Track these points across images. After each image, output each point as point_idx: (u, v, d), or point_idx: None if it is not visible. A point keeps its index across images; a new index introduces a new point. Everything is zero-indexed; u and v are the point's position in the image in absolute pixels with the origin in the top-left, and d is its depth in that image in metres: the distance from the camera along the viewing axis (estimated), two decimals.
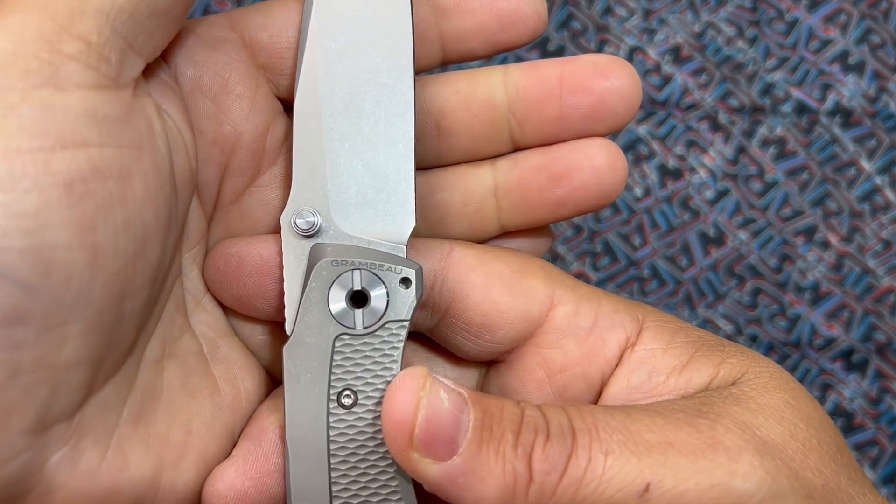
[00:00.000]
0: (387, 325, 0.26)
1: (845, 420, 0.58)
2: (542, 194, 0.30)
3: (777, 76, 0.62)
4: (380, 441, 0.26)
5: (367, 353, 0.26)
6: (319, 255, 0.27)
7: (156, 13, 0.24)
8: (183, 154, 0.27)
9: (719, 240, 0.60)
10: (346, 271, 0.26)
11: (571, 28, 0.62)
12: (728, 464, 0.23)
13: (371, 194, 0.27)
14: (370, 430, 0.26)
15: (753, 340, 0.59)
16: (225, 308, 0.30)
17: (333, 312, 0.26)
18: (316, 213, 0.27)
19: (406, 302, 0.26)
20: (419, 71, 0.29)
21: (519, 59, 0.59)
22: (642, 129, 0.61)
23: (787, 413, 0.24)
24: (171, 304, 0.28)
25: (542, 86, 0.29)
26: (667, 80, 0.62)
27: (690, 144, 0.61)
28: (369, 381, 0.26)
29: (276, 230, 0.28)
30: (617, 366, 0.27)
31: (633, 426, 0.23)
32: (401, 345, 0.26)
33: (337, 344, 0.26)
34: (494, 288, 0.28)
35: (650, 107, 0.61)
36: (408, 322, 0.26)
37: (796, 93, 0.62)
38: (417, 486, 0.26)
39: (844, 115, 0.61)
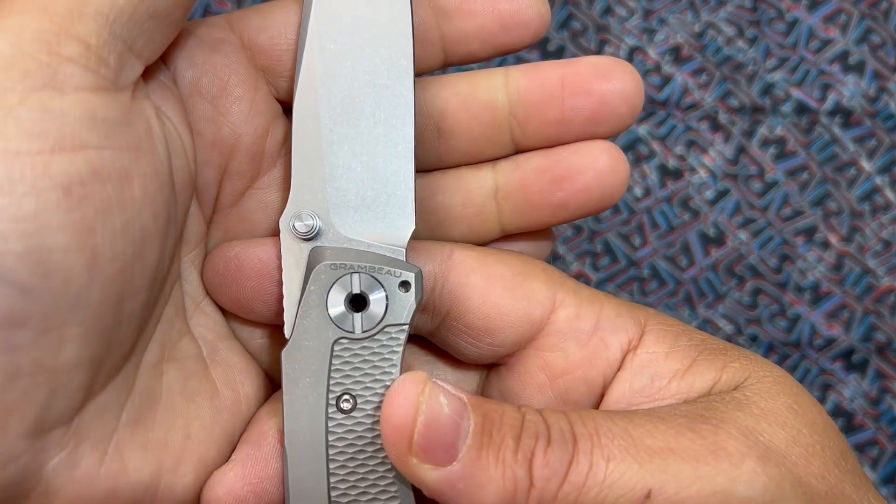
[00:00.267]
0: (386, 329, 0.26)
1: (845, 420, 0.58)
2: (543, 197, 0.30)
3: (777, 76, 0.62)
4: (379, 446, 0.26)
5: (366, 358, 0.26)
6: (318, 258, 0.27)
7: (155, 15, 0.24)
8: (182, 157, 0.27)
9: (719, 240, 0.60)
10: (345, 275, 0.26)
11: (571, 28, 0.62)
12: (731, 470, 0.23)
13: (370, 197, 0.27)
14: (369, 435, 0.26)
15: (753, 340, 0.59)
16: (224, 311, 0.30)
17: (332, 316, 0.26)
18: (315, 215, 0.27)
19: (405, 306, 0.26)
20: (420, 73, 0.29)
21: (519, 60, 0.59)
22: (642, 129, 0.61)
23: (791, 418, 0.24)
24: (171, 307, 0.28)
25: (543, 88, 0.29)
26: (667, 80, 0.62)
27: (690, 144, 0.61)
28: (368, 385, 0.26)
29: (276, 233, 0.28)
30: (619, 369, 0.27)
31: (634, 431, 0.23)
32: (400, 349, 0.26)
33: (336, 348, 0.26)
34: (495, 290, 0.28)
35: (650, 107, 0.61)
36: (407, 326, 0.26)
37: (796, 93, 0.62)
38: (417, 492, 0.26)
39: (844, 115, 0.61)
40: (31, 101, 0.22)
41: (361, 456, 0.26)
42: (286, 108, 0.29)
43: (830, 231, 0.60)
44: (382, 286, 0.26)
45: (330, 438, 0.26)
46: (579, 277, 0.60)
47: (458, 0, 0.29)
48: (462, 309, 0.28)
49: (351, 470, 0.26)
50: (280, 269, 0.27)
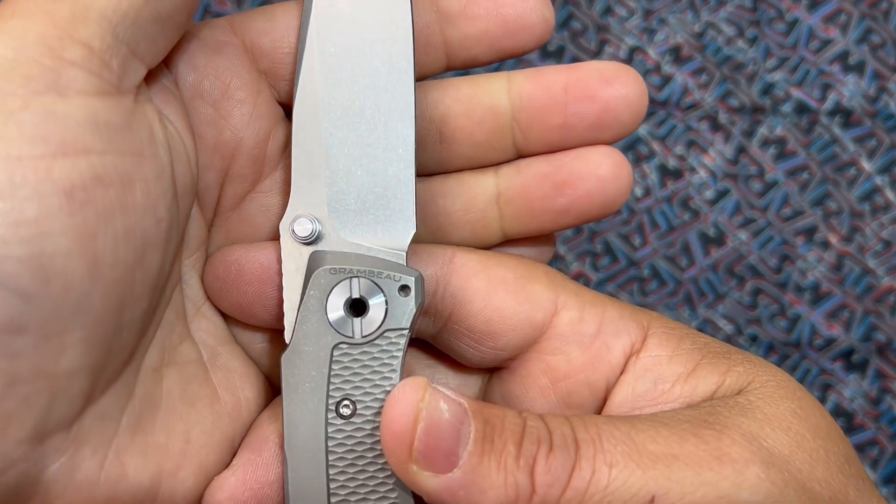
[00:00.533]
0: (385, 334, 0.26)
1: (845, 420, 0.58)
2: (545, 202, 0.30)
3: (777, 76, 0.62)
4: (379, 452, 0.26)
5: (366, 363, 0.26)
6: (318, 262, 0.26)
7: (159, 19, 0.24)
8: (184, 161, 0.26)
9: (719, 240, 0.60)
10: (344, 279, 0.26)
11: (571, 28, 0.62)
12: (734, 476, 0.22)
13: (371, 200, 0.27)
14: (369, 440, 0.26)
15: (753, 340, 0.59)
16: (225, 315, 0.29)
17: (331, 321, 0.26)
18: (314, 219, 0.27)
19: (405, 310, 0.26)
20: (422, 77, 0.29)
21: (519, 61, 0.59)
22: (642, 129, 0.61)
23: (794, 423, 0.24)
24: (171, 312, 0.27)
25: (546, 93, 0.29)
26: (667, 80, 0.62)
27: (690, 144, 0.61)
28: (368, 390, 0.26)
29: (277, 237, 0.28)
30: (622, 373, 0.27)
31: (637, 437, 0.23)
32: (400, 354, 0.26)
33: (335, 353, 0.26)
34: (497, 294, 0.28)
35: (650, 107, 0.61)
36: (407, 331, 0.26)
37: (796, 93, 0.62)
38: (417, 498, 0.26)
39: (844, 115, 0.61)
40: (33, 105, 0.22)
41: (361, 462, 0.26)
42: (288, 111, 0.29)
43: (830, 231, 0.60)
44: (382, 291, 0.26)
45: (330, 444, 0.26)
46: (579, 278, 0.60)
47: (462, 4, 0.28)
48: (464, 312, 0.28)
49: (350, 476, 0.26)
50: (281, 274, 0.27)
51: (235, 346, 0.30)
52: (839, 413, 0.58)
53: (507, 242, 0.31)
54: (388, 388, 0.26)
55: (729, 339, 0.59)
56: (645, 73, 0.61)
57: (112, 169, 0.23)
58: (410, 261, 0.27)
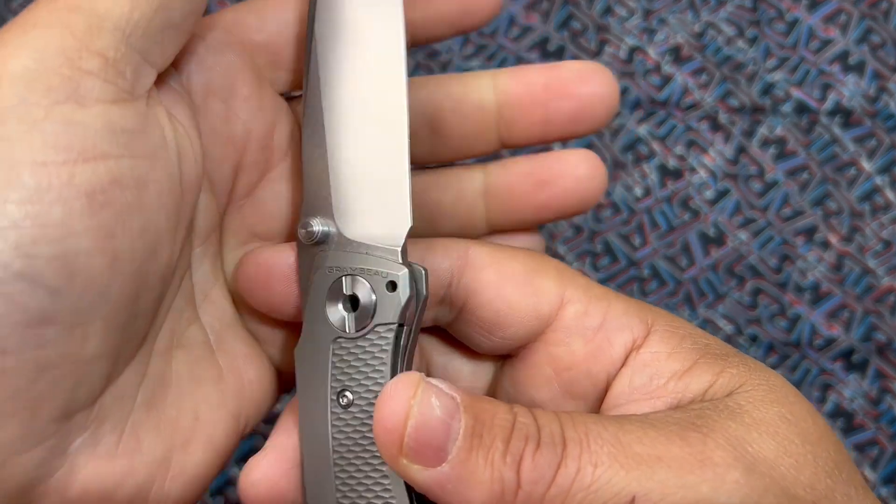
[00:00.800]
0: (375, 329, 0.27)
1: (845, 420, 0.58)
2: (527, 198, 0.33)
3: (777, 76, 0.62)
4: (373, 440, 0.27)
5: (360, 356, 0.27)
6: (321, 262, 0.28)
7: (169, 26, 0.26)
8: (190, 159, 0.28)
9: (719, 240, 0.60)
10: (339, 277, 0.28)
11: (571, 28, 0.62)
12: (714, 480, 0.23)
13: (369, 198, 0.28)
14: (364, 429, 0.27)
15: (753, 340, 0.59)
16: (235, 301, 0.32)
17: (330, 317, 0.28)
18: (320, 221, 0.29)
19: (392, 305, 0.27)
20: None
21: (519, 60, 0.60)
22: (642, 129, 0.61)
23: (782, 428, 0.24)
24: (180, 298, 0.30)
25: (528, 91, 0.32)
26: (667, 80, 0.62)
27: (690, 144, 0.61)
28: (362, 382, 0.27)
29: (288, 222, 0.31)
30: (622, 366, 0.28)
31: (624, 438, 0.24)
32: (389, 347, 0.27)
33: (334, 347, 0.28)
34: (507, 286, 0.29)
35: (650, 107, 0.61)
36: (395, 325, 0.27)
37: (796, 93, 0.62)
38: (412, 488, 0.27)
39: (844, 115, 0.61)
40: (55, 115, 0.23)
41: (359, 450, 0.28)
42: (287, 102, 0.32)
43: (830, 231, 0.60)
44: (371, 287, 0.27)
45: (332, 432, 0.28)
46: None
47: None
48: (476, 303, 0.29)
49: (350, 461, 0.28)
50: None
51: (241, 330, 0.32)
52: (839, 413, 0.58)
53: (492, 233, 0.34)
54: (380, 381, 0.27)
55: (729, 339, 0.59)
56: (645, 73, 0.61)
57: (128, 172, 0.25)
58: (426, 254, 0.29)
